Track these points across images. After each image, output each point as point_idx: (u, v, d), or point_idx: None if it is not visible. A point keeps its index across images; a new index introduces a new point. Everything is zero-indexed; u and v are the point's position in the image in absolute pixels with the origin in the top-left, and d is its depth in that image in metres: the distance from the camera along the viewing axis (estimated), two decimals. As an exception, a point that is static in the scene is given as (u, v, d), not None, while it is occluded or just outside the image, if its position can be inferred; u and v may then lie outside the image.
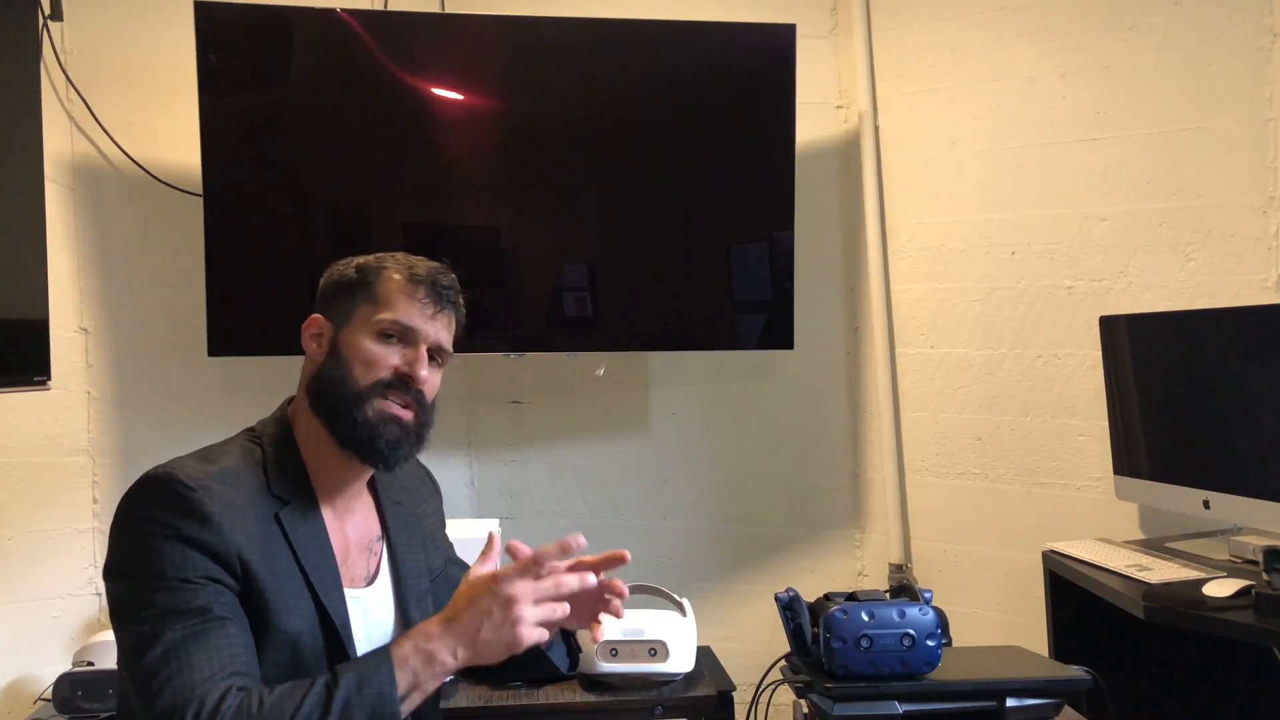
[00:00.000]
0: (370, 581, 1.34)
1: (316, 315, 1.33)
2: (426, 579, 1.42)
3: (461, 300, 1.35)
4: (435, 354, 1.32)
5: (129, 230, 2.49)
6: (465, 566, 1.58)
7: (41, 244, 2.13)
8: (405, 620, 1.36)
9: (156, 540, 1.14)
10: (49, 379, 2.14)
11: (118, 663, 1.19)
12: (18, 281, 2.11)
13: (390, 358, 1.28)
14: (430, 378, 1.30)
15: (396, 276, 1.29)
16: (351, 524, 1.34)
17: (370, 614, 1.32)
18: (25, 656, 2.34)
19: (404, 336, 1.28)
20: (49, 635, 2.38)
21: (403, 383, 1.27)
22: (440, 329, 1.31)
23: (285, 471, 1.27)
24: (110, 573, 1.17)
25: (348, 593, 1.27)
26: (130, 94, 2.48)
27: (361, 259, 1.33)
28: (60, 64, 2.41)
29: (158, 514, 1.15)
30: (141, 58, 2.49)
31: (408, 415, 1.28)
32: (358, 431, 1.25)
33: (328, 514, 1.30)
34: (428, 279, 1.30)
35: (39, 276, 2.13)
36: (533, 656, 1.39)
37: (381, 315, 1.28)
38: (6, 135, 2.07)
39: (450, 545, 1.57)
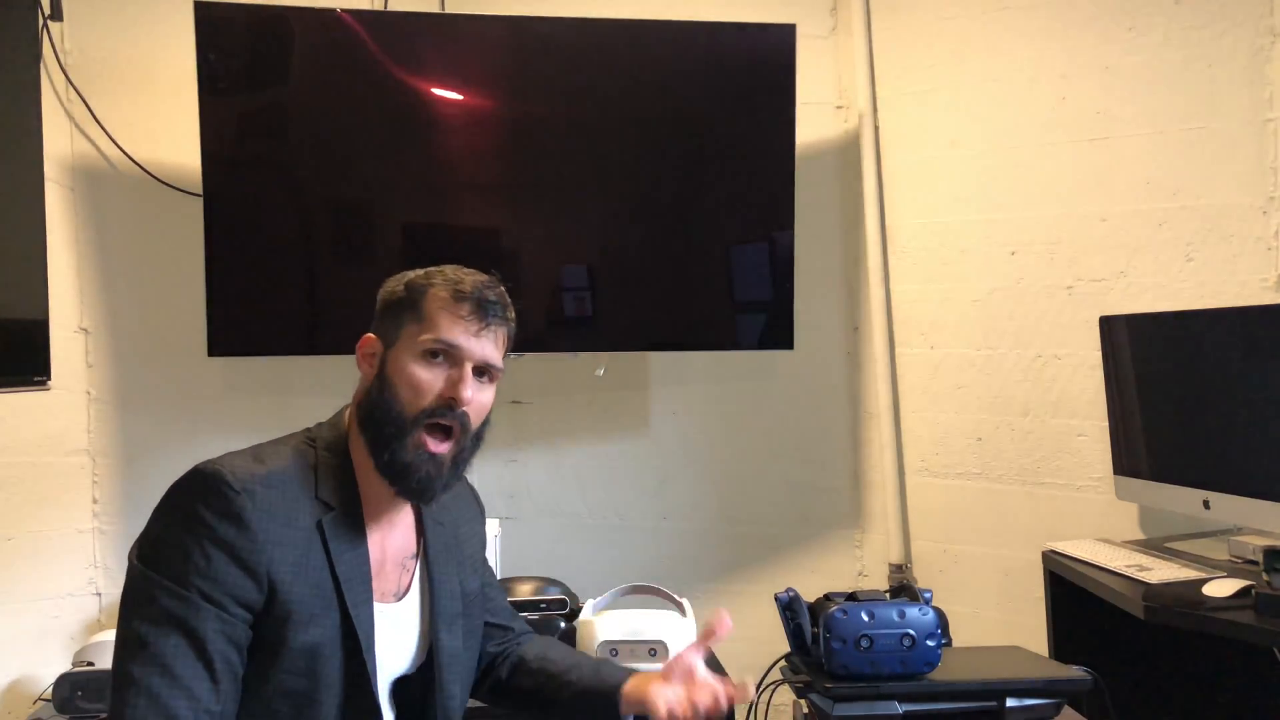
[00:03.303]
0: (400, 598, 1.34)
1: (370, 335, 1.31)
2: (459, 602, 1.40)
3: (511, 313, 1.33)
4: (484, 370, 1.29)
5: (129, 230, 2.49)
6: (501, 590, 1.58)
7: (41, 244, 2.14)
8: (434, 640, 1.35)
9: (186, 539, 1.14)
10: (49, 379, 2.14)
11: None
12: (18, 281, 2.11)
13: (435, 381, 1.25)
14: (478, 396, 1.28)
15: (442, 294, 1.27)
16: (391, 538, 1.33)
17: (395, 630, 1.31)
18: (25, 656, 2.34)
19: (449, 355, 1.26)
20: (49, 635, 2.38)
21: (448, 406, 1.26)
22: (487, 345, 1.28)
23: (334, 478, 1.26)
24: (137, 552, 1.18)
25: (376, 606, 1.27)
26: (130, 94, 2.48)
27: (413, 274, 1.31)
28: (60, 64, 2.41)
29: (198, 510, 1.15)
30: (141, 58, 2.49)
31: (444, 449, 1.26)
32: (393, 467, 1.25)
33: (370, 525, 1.29)
34: (473, 295, 1.27)
35: (39, 276, 2.14)
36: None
37: (425, 334, 1.25)
38: (6, 135, 2.08)
39: (490, 570, 1.56)
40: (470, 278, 1.30)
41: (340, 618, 1.21)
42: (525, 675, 1.48)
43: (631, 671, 1.42)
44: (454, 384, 1.25)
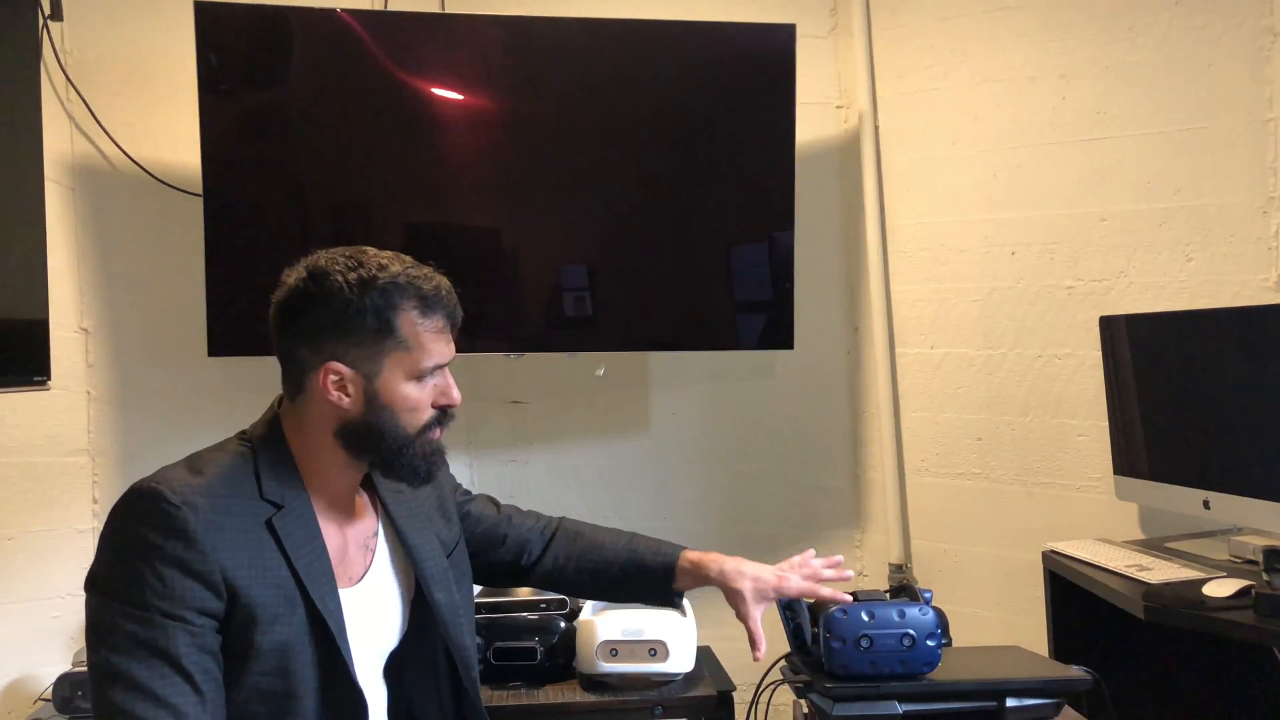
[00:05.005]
0: (364, 578, 1.35)
1: (336, 364, 1.25)
2: (443, 557, 1.42)
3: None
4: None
5: (129, 230, 2.49)
6: (477, 499, 1.65)
7: (41, 244, 2.13)
8: (430, 602, 1.37)
9: (137, 563, 1.14)
10: (49, 379, 2.14)
11: None
12: (18, 281, 2.11)
13: (429, 397, 1.30)
14: None
15: (413, 311, 1.25)
16: (350, 523, 1.35)
17: (370, 610, 1.33)
18: (25, 656, 2.34)
19: (437, 370, 1.31)
20: (49, 635, 2.38)
21: (443, 412, 1.32)
22: (452, 342, 1.33)
23: (278, 475, 1.26)
24: (91, 583, 1.17)
25: (343, 592, 1.28)
26: (130, 94, 2.48)
27: (354, 280, 1.23)
28: (60, 64, 2.41)
29: (142, 532, 1.15)
30: (141, 58, 2.49)
31: (440, 436, 1.33)
32: (404, 469, 1.30)
33: (324, 515, 1.30)
34: (444, 307, 1.28)
35: (39, 276, 2.13)
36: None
37: (421, 364, 1.27)
38: (6, 135, 2.07)
39: (454, 497, 1.57)
40: (428, 284, 1.27)
41: (307, 613, 1.22)
42: (565, 568, 1.62)
43: (674, 550, 1.57)
44: (444, 392, 1.31)
